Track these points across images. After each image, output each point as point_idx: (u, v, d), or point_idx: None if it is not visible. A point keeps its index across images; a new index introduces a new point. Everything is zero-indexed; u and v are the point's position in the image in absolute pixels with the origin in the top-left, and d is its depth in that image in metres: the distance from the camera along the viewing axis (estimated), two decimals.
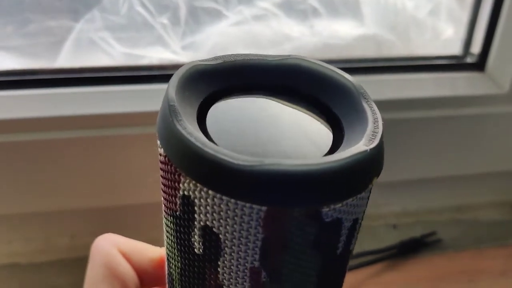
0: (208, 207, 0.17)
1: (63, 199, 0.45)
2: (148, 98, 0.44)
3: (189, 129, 0.17)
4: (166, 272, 0.22)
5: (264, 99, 0.21)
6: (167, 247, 0.21)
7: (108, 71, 0.46)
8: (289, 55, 0.21)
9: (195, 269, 0.19)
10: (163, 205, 0.20)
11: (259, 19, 0.50)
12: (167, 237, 0.21)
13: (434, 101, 0.49)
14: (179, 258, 0.20)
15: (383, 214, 0.55)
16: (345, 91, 0.20)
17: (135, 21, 0.47)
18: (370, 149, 0.17)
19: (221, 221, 0.17)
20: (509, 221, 0.57)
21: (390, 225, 0.54)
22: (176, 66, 0.31)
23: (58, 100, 0.43)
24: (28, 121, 0.41)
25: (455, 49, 0.54)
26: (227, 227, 0.17)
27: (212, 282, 0.19)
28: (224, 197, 0.17)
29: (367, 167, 0.17)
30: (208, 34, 0.49)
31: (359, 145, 0.17)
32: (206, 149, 0.16)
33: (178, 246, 0.20)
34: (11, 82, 0.44)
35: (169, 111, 0.18)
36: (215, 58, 0.21)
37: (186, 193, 0.18)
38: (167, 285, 0.22)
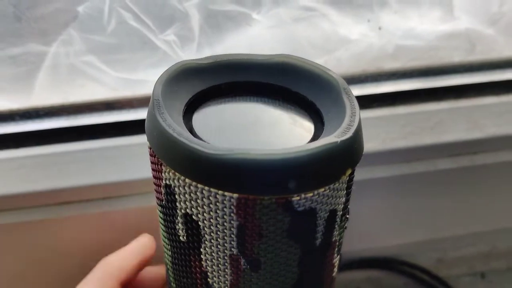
0: (186, 195, 0.18)
1: None
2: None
3: (169, 121, 0.18)
4: (165, 264, 0.23)
5: (250, 98, 0.22)
6: (162, 238, 0.22)
7: (102, 108, 0.34)
8: (277, 54, 0.22)
9: (182, 256, 0.20)
10: (155, 197, 0.21)
11: (303, 21, 0.36)
12: (160, 228, 0.22)
13: None
14: (169, 246, 0.21)
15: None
16: (328, 87, 0.21)
17: (128, 40, 0.33)
18: (341, 141, 0.17)
19: (198, 208, 0.18)
20: None
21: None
22: None
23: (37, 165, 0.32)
24: None
25: None
26: (205, 214, 0.18)
27: (197, 269, 0.20)
28: (199, 185, 0.18)
29: (338, 158, 0.17)
30: (233, 43, 0.35)
31: (330, 137, 0.18)
32: (181, 138, 0.17)
33: (167, 235, 0.21)
34: None
35: (153, 105, 0.19)
36: (207, 58, 0.22)
37: (167, 182, 0.19)
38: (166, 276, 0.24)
